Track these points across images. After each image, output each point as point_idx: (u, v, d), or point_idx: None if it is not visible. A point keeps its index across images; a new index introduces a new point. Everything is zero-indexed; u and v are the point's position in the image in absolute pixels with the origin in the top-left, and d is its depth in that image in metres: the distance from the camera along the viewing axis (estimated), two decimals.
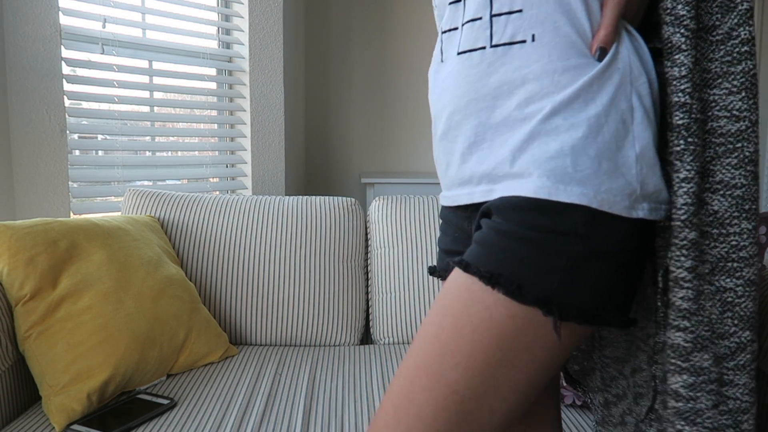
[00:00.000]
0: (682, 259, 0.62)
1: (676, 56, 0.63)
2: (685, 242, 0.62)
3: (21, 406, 1.23)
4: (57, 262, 1.22)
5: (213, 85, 2.19)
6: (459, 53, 0.69)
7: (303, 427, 1.13)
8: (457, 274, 0.65)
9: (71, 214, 1.76)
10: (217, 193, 2.16)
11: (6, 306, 1.18)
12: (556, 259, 0.62)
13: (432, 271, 0.87)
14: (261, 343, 1.59)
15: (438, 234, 1.68)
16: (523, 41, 0.65)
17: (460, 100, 0.69)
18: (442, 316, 0.64)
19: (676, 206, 0.62)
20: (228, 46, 2.22)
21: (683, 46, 0.62)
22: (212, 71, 2.17)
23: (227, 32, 2.21)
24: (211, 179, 2.16)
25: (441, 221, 0.87)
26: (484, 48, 0.67)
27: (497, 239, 0.64)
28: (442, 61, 0.73)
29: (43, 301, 1.18)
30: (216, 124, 2.18)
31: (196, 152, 2.18)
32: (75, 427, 1.11)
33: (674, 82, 0.63)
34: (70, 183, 1.76)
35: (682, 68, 0.62)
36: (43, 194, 1.70)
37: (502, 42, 0.66)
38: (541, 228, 0.62)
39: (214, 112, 2.25)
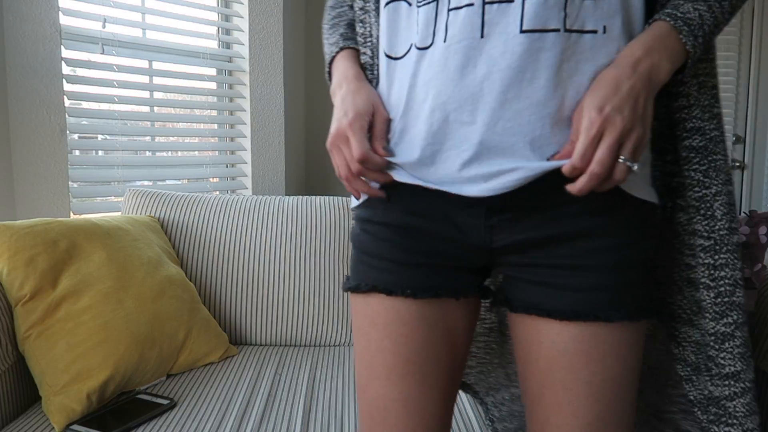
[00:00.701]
0: (738, 262, 0.67)
1: (680, 88, 0.68)
2: (732, 246, 0.67)
3: (21, 406, 1.23)
4: (57, 262, 1.22)
5: (213, 85, 2.19)
6: (524, 31, 0.61)
7: (303, 427, 1.13)
8: (591, 330, 0.65)
9: (71, 214, 1.76)
10: (217, 193, 2.16)
11: (6, 306, 1.18)
12: (648, 264, 0.67)
13: (371, 287, 0.71)
14: (261, 343, 1.59)
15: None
16: (594, 31, 0.62)
17: (532, 87, 0.61)
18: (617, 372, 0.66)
19: (716, 218, 0.67)
20: (228, 46, 2.22)
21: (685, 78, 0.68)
22: (212, 71, 2.17)
23: (227, 32, 2.21)
24: (211, 179, 2.16)
25: (383, 227, 0.72)
26: (558, 30, 0.61)
27: (615, 273, 0.64)
28: (482, 36, 0.62)
29: (43, 301, 1.18)
30: (216, 124, 2.17)
31: (196, 152, 2.18)
32: (75, 427, 1.11)
33: (684, 111, 0.68)
34: (70, 183, 1.76)
35: (689, 98, 0.68)
36: (43, 194, 1.70)
37: (575, 28, 0.61)
38: (643, 237, 0.66)
39: (214, 112, 2.24)
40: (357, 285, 0.72)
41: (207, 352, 1.42)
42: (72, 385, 1.14)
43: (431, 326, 0.70)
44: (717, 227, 0.67)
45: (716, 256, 0.67)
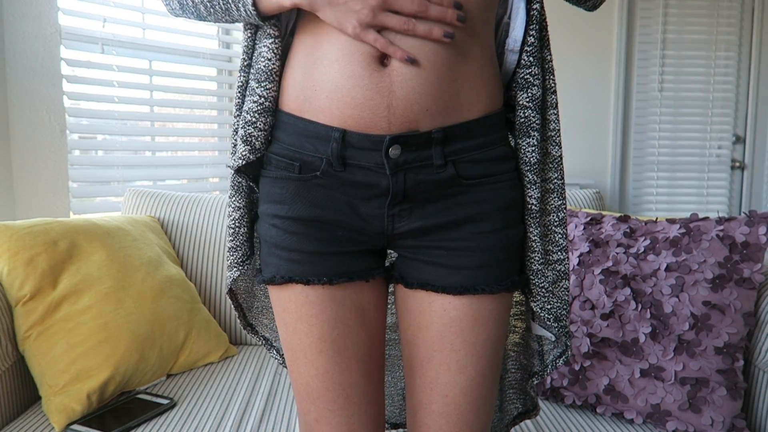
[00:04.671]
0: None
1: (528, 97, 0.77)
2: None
3: (21, 406, 1.23)
4: (57, 262, 1.22)
5: (213, 85, 2.19)
6: None
7: None
8: (486, 301, 0.74)
9: (71, 214, 1.76)
10: (217, 193, 2.16)
11: (6, 306, 1.18)
12: (518, 244, 0.77)
13: (295, 278, 0.74)
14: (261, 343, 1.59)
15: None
16: None
17: None
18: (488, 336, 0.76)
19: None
20: (228, 46, 2.22)
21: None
22: (212, 71, 2.17)
23: (227, 32, 2.21)
24: (211, 179, 2.16)
25: (292, 221, 0.74)
26: None
27: (495, 252, 0.74)
28: None
29: (43, 301, 1.18)
30: (216, 124, 2.17)
31: (196, 152, 2.18)
32: (75, 427, 1.11)
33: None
34: (70, 183, 1.76)
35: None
36: (43, 194, 1.70)
37: None
38: (515, 222, 0.76)
39: (214, 112, 2.24)
40: (272, 277, 0.76)
41: (207, 352, 1.42)
42: (72, 385, 1.14)
43: (339, 304, 0.75)
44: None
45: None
